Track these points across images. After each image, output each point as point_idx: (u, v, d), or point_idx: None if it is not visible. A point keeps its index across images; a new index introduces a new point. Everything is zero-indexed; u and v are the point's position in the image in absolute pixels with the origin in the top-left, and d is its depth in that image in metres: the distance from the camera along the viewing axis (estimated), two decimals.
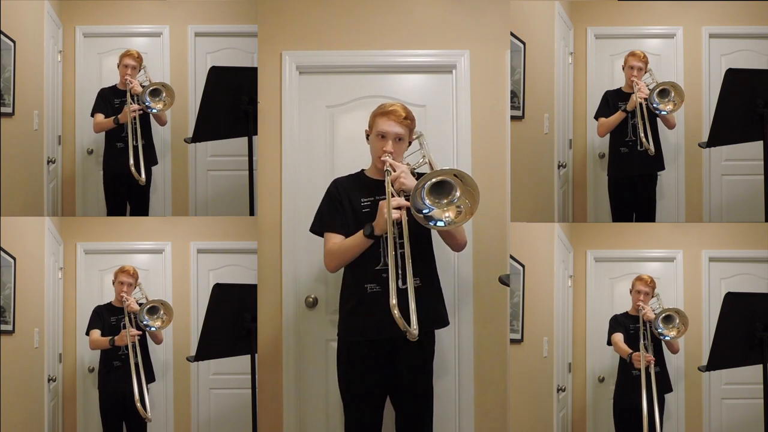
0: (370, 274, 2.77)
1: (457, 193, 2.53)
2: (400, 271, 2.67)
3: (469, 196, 2.52)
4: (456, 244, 2.86)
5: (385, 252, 2.74)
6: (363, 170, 2.96)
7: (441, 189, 2.54)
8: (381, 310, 2.69)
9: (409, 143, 2.88)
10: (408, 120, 2.82)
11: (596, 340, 3.36)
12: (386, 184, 2.67)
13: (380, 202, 2.68)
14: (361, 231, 2.71)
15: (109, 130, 3.31)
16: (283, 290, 3.35)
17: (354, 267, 2.82)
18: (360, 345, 2.82)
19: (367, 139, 2.90)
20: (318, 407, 3.41)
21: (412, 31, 3.42)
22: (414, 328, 2.50)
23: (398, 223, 2.65)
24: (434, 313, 2.87)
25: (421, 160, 2.86)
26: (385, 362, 2.81)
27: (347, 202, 2.85)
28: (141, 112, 3.28)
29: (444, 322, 2.92)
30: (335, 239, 2.82)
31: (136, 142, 3.26)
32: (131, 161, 3.23)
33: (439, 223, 2.55)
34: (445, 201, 2.54)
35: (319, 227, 2.89)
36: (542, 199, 3.29)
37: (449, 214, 2.55)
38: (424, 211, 2.54)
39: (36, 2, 3.28)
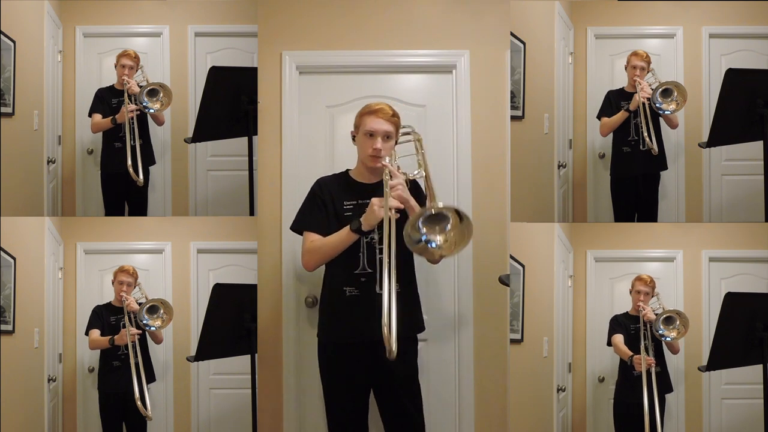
0: (349, 277, 2.76)
1: (448, 227, 2.45)
2: (378, 276, 2.71)
3: (460, 235, 2.43)
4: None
5: (364, 256, 2.76)
6: (348, 171, 2.93)
7: (436, 218, 2.46)
8: (359, 314, 2.73)
9: (396, 142, 2.84)
10: (395, 118, 2.80)
11: (596, 340, 3.36)
12: (384, 184, 2.63)
13: (372, 199, 2.65)
14: (347, 227, 2.69)
15: (106, 130, 3.31)
16: (283, 290, 3.35)
17: (333, 269, 2.83)
18: (340, 347, 2.82)
19: (353, 140, 2.87)
20: (318, 407, 3.41)
21: (412, 31, 3.42)
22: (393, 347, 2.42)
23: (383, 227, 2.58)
24: (414, 319, 2.88)
25: (416, 173, 2.80)
26: (367, 364, 2.80)
27: (330, 203, 2.83)
28: (138, 112, 3.27)
29: (421, 327, 2.93)
30: (313, 238, 2.80)
31: (134, 142, 3.26)
32: (129, 162, 3.22)
33: (431, 244, 2.45)
34: (437, 228, 2.47)
35: (299, 226, 2.87)
36: (542, 199, 3.29)
37: (438, 238, 2.46)
38: (421, 239, 2.46)
39: (36, 2, 3.28)
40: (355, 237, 2.70)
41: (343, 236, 2.71)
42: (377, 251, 2.74)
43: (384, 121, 2.76)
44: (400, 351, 2.63)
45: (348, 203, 2.81)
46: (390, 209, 2.57)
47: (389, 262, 2.50)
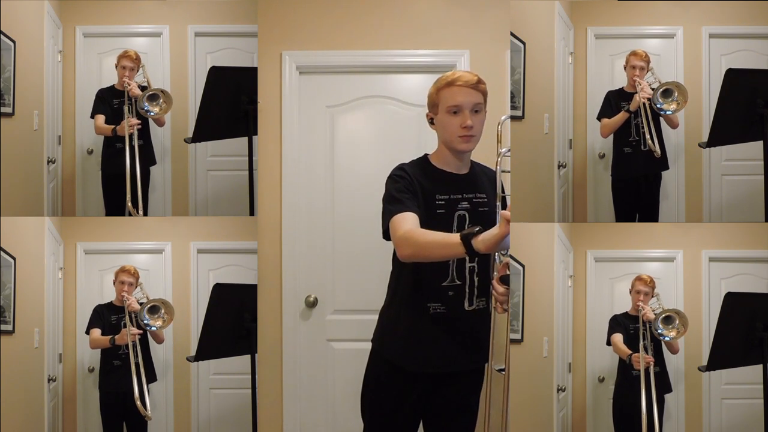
0: (436, 290, 2.38)
1: None
2: (468, 290, 2.43)
3: None
4: None
5: (454, 264, 2.37)
6: (427, 156, 2.49)
7: None
8: (445, 338, 2.38)
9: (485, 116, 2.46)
10: (482, 85, 2.39)
11: (596, 339, 3.36)
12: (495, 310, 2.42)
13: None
14: (458, 235, 2.09)
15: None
16: (283, 290, 3.36)
17: (414, 280, 2.41)
18: (405, 372, 2.41)
19: (431, 123, 2.46)
20: (318, 407, 3.41)
21: (412, 31, 3.42)
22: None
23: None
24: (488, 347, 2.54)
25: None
26: (429, 392, 2.45)
27: (420, 193, 2.35)
28: (140, 127, 3.26)
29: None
30: (410, 222, 2.22)
31: (133, 142, 3.25)
32: (128, 197, 3.20)
33: None
34: None
35: (389, 217, 2.29)
36: (542, 199, 3.28)
37: None
38: None
39: (36, 2, 3.28)
40: (461, 252, 2.09)
41: (449, 241, 2.12)
42: (467, 259, 2.36)
43: (469, 90, 2.36)
44: (476, 382, 2.49)
45: (441, 198, 2.38)
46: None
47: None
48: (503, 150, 2.48)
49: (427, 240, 2.15)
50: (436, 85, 2.41)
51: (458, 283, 2.37)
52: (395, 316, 2.45)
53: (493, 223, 2.39)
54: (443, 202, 2.38)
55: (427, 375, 2.42)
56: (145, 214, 3.36)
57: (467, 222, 2.39)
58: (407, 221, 2.22)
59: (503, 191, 2.55)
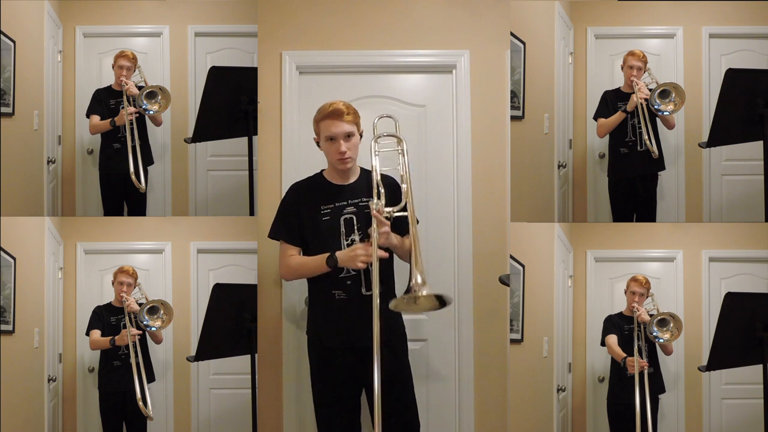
0: (336, 281, 2.76)
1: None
2: (363, 278, 2.75)
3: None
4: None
5: None
6: (322, 171, 2.92)
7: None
8: (350, 318, 2.74)
9: (360, 136, 2.84)
10: (350, 115, 2.79)
11: (596, 339, 3.36)
12: (372, 240, 2.67)
13: (356, 247, 2.70)
14: (324, 257, 2.72)
15: (105, 131, 3.30)
16: (283, 290, 3.35)
17: (322, 274, 2.79)
18: (331, 350, 2.80)
19: (318, 145, 2.86)
20: None
21: (412, 31, 3.42)
22: None
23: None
24: (397, 319, 2.89)
25: (397, 209, 2.78)
26: (358, 366, 2.77)
27: (305, 211, 2.82)
28: (137, 114, 3.27)
29: (401, 324, 2.92)
30: (291, 252, 2.83)
31: (134, 142, 3.25)
32: (131, 168, 3.21)
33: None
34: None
35: (273, 235, 2.90)
36: (542, 199, 3.29)
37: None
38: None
39: (36, 2, 3.28)
40: (329, 269, 2.73)
41: (319, 264, 2.74)
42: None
43: (340, 123, 2.75)
44: (389, 352, 2.72)
45: (325, 208, 2.81)
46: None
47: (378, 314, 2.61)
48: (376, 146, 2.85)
49: (301, 264, 2.81)
50: (315, 117, 2.83)
51: (353, 273, 2.75)
52: (314, 302, 2.88)
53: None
54: (328, 211, 2.80)
55: (351, 351, 2.76)
56: (144, 207, 3.35)
57: (355, 223, 2.79)
58: (288, 255, 2.83)
59: (388, 186, 2.83)
